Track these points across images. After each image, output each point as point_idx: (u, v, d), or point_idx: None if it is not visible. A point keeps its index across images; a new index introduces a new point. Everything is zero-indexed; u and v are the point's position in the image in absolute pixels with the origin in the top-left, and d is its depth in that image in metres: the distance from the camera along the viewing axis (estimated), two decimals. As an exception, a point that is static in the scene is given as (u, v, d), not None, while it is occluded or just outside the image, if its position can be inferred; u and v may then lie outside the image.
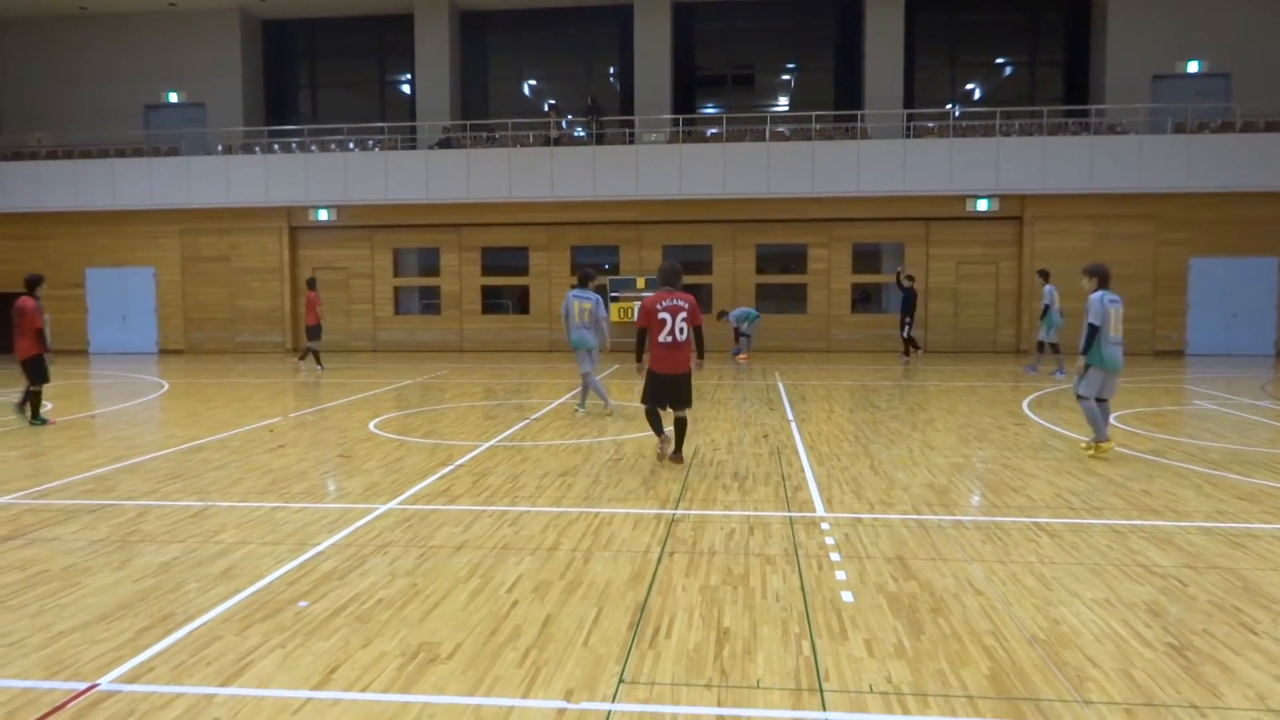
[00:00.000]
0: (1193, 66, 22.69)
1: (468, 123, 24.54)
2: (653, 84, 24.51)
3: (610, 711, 3.56)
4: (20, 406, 11.17)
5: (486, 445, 9.52)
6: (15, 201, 23.89)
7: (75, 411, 11.82)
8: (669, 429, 8.55)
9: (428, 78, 25.33)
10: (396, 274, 24.46)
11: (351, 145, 24.35)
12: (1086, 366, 8.62)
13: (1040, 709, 3.57)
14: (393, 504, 6.95)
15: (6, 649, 4.21)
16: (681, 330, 8.18)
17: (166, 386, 16.01)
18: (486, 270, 24.06)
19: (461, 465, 8.47)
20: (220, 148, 24.61)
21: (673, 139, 23.27)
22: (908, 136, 22.51)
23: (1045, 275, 16.92)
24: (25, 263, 23.76)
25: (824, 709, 3.58)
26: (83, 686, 3.80)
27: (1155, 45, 22.64)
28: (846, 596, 4.85)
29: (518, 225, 23.34)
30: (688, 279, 22.41)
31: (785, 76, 27.53)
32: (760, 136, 22.66)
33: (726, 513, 6.66)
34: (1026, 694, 3.70)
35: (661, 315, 8.16)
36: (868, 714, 3.54)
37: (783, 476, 7.92)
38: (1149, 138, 21.13)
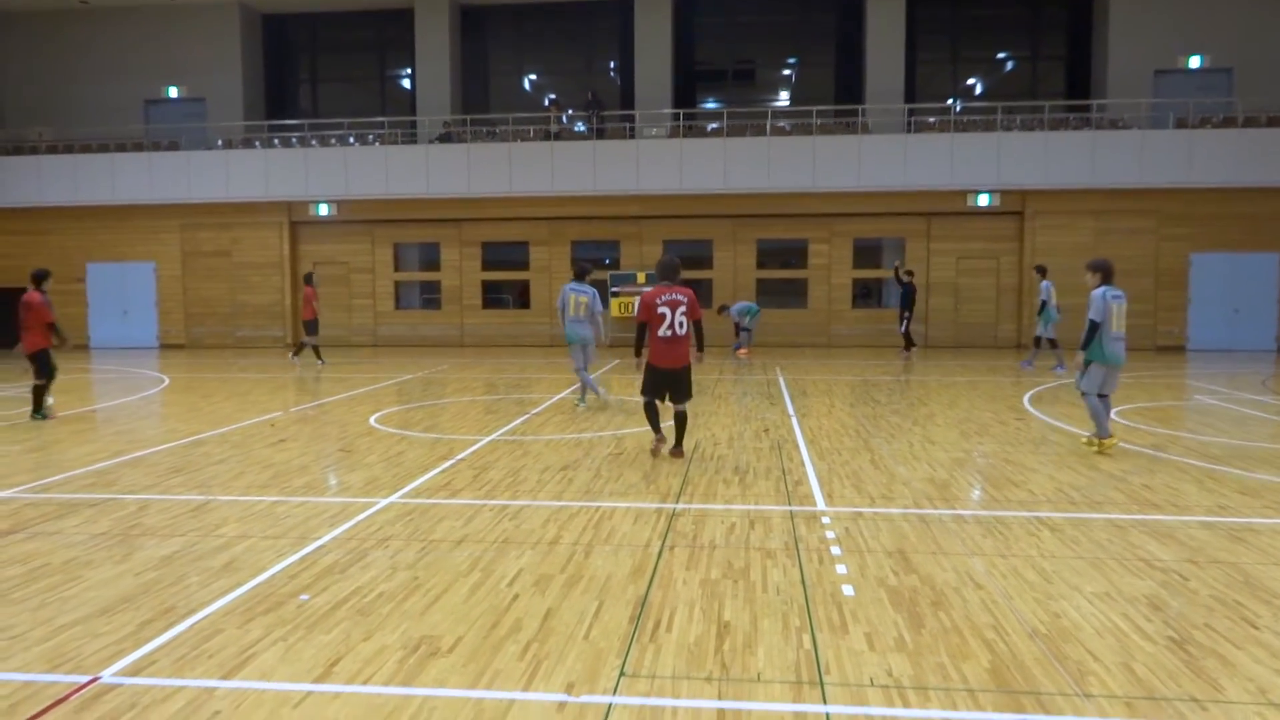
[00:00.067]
0: (1194, 61, 22.65)
1: (468, 117, 24.51)
2: (653, 78, 24.48)
3: (611, 704, 3.56)
4: (38, 412, 11.16)
5: (487, 439, 9.52)
6: (16, 196, 23.88)
7: (76, 406, 11.83)
8: (668, 423, 8.55)
9: (428, 72, 25.30)
10: (397, 269, 24.45)
11: (352, 140, 24.32)
12: (1087, 362, 8.61)
13: (1041, 702, 3.57)
14: (394, 498, 6.96)
15: (8, 642, 4.22)
16: (681, 324, 8.22)
17: (167, 381, 16.02)
18: (487, 265, 24.05)
19: (462, 459, 8.47)
20: (220, 142, 24.59)
21: (673, 134, 23.24)
22: (909, 131, 22.48)
23: (1042, 271, 16.91)
24: (26, 257, 23.78)
25: (824, 702, 3.58)
26: (85, 679, 3.80)
27: (1157, 40, 22.60)
28: (847, 590, 4.86)
29: (518, 220, 23.33)
30: (688, 274, 22.57)
31: (786, 71, 27.48)
32: (761, 131, 22.63)
33: (727, 507, 6.66)
34: (1027, 687, 3.70)
35: (661, 309, 8.19)
36: (868, 707, 3.54)
37: (783, 471, 7.92)
38: (1150, 133, 21.09)
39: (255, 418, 11.24)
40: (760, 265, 23.21)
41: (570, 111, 24.85)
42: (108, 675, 3.84)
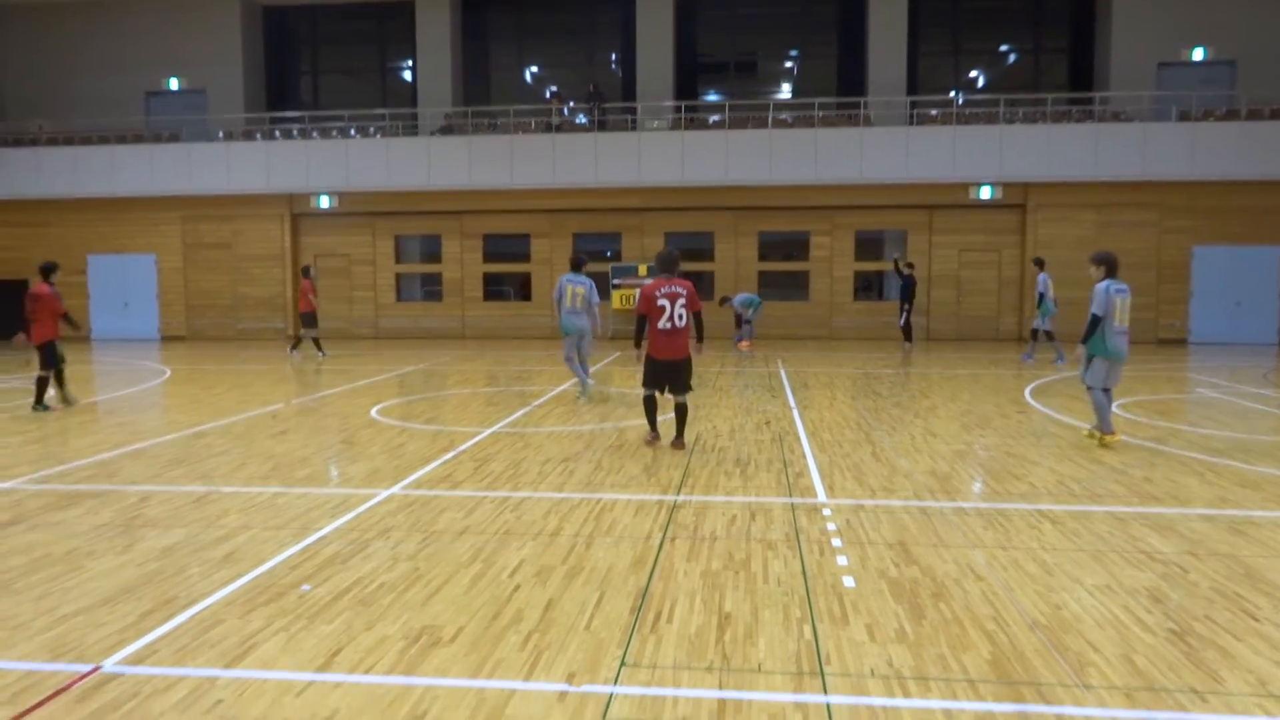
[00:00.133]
0: (1198, 54, 22.57)
1: (469, 109, 24.47)
2: (655, 70, 24.42)
3: (612, 694, 3.57)
4: (40, 404, 11.18)
5: (489, 431, 9.53)
6: (16, 188, 23.87)
7: (78, 397, 11.83)
8: (666, 417, 8.57)
9: (429, 64, 25.25)
10: (398, 261, 24.44)
11: (353, 132, 24.27)
12: (1090, 356, 8.58)
13: (1041, 693, 3.58)
14: (395, 489, 6.97)
15: (11, 631, 4.23)
16: (680, 316, 8.26)
17: (169, 373, 16.03)
18: (488, 257, 24.03)
19: (464, 451, 8.48)
20: (221, 134, 24.55)
21: (675, 126, 23.19)
22: (911, 123, 22.42)
23: (1040, 263, 16.89)
24: (27, 250, 23.83)
25: (825, 692, 3.59)
26: (87, 668, 3.81)
27: (1160, 32, 22.51)
28: (848, 581, 4.86)
29: (519, 212, 23.30)
30: (690, 266, 22.58)
31: (788, 63, 27.41)
32: (763, 123, 22.58)
33: (728, 498, 6.67)
34: (1027, 678, 3.71)
35: (660, 302, 8.23)
36: (869, 697, 3.55)
37: (784, 463, 7.92)
38: (1153, 125, 21.03)
39: (257, 409, 11.25)
40: (762, 258, 23.19)
41: (572, 104, 24.80)
42: (110, 665, 3.85)
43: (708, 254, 23.13)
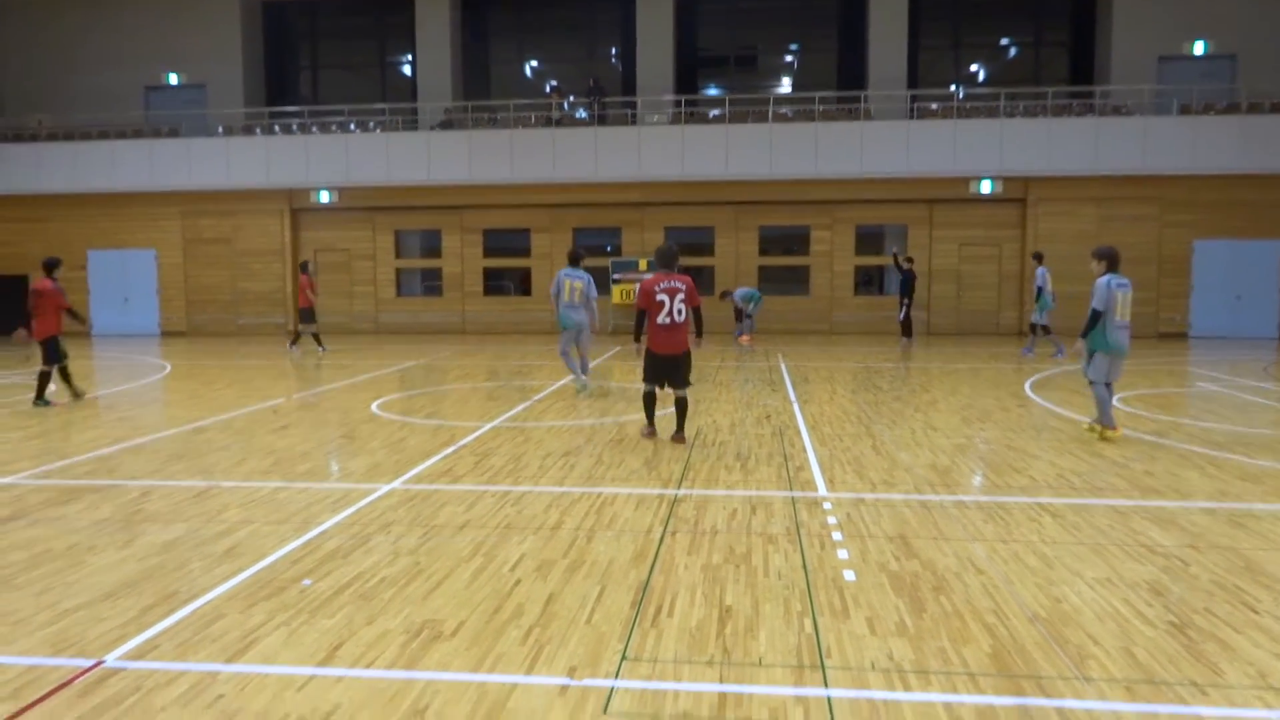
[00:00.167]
0: (1198, 48, 22.52)
1: (469, 104, 24.43)
2: (655, 65, 24.38)
3: (613, 688, 3.58)
4: (40, 399, 11.19)
5: (489, 426, 9.53)
6: (16, 183, 23.85)
7: (85, 390, 11.82)
8: (666, 411, 8.58)
9: (429, 58, 25.20)
10: (398, 256, 24.43)
11: (352, 127, 24.25)
12: (1092, 352, 8.56)
13: (1041, 686, 3.58)
14: (396, 484, 6.97)
15: (12, 627, 4.24)
16: (680, 311, 8.30)
17: (169, 368, 16.03)
18: (488, 252, 24.02)
19: (464, 446, 8.48)
20: (221, 129, 24.52)
21: (675, 120, 23.15)
22: (911, 118, 22.39)
23: (1039, 257, 16.87)
24: (27, 245, 23.82)
25: (826, 685, 3.59)
26: (88, 663, 3.82)
27: (1161, 26, 22.46)
28: (848, 575, 4.87)
29: (519, 207, 23.29)
30: (691, 261, 22.55)
31: (788, 57, 27.37)
32: (763, 118, 22.53)
33: (729, 492, 6.67)
34: (1028, 671, 3.71)
35: (660, 297, 8.28)
36: (870, 690, 3.55)
37: (785, 457, 7.93)
38: (1154, 119, 21.00)
39: (257, 404, 11.25)
40: (762, 252, 23.18)
41: (572, 98, 24.76)
42: (111, 659, 3.86)
43: (708, 249, 23.12)
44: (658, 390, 8.71)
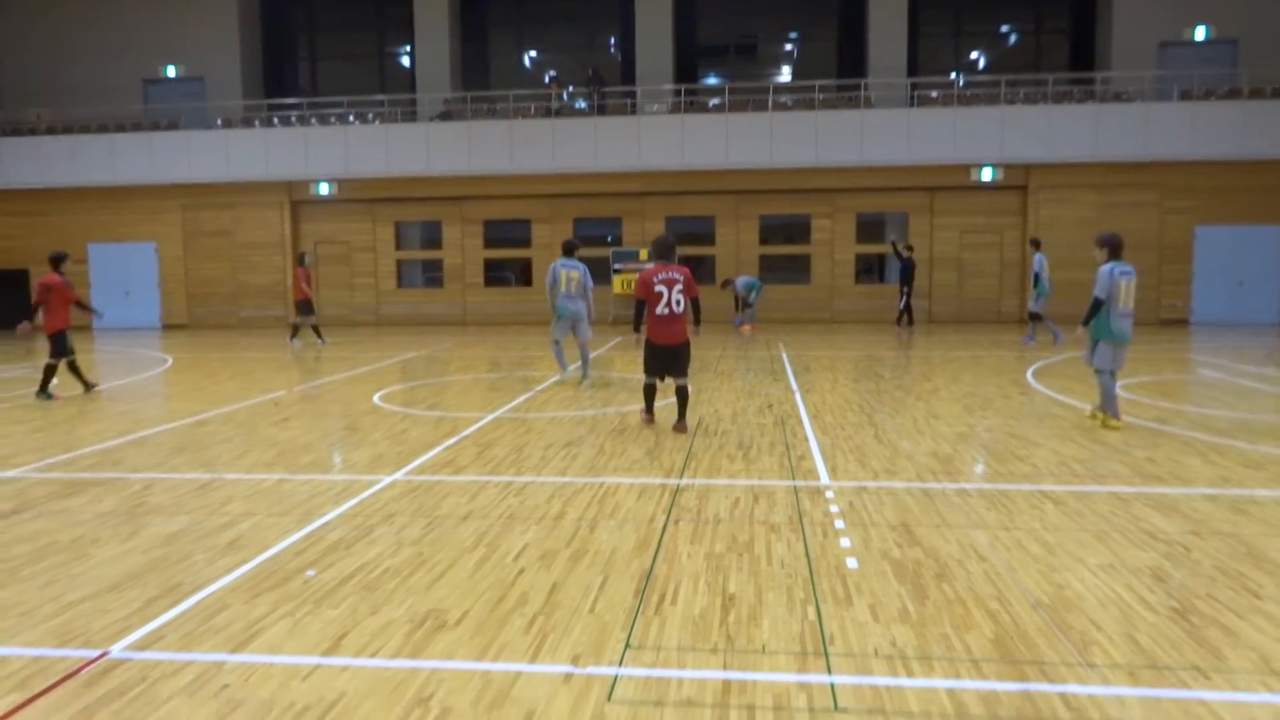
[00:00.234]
0: (1200, 33, 22.44)
1: (468, 94, 24.36)
2: (654, 54, 24.31)
3: (617, 676, 3.59)
4: (43, 392, 11.22)
5: (491, 417, 9.54)
6: (16, 178, 23.82)
7: (78, 386, 11.84)
8: (664, 401, 8.61)
9: (427, 49, 25.13)
10: (399, 247, 24.41)
11: (351, 118, 24.20)
12: (1095, 340, 8.53)
13: (1044, 671, 3.59)
14: (398, 475, 6.98)
15: (18, 618, 4.25)
16: (678, 302, 8.36)
17: (170, 361, 16.04)
18: (489, 243, 24.00)
19: (466, 436, 8.49)
20: (220, 122, 24.48)
21: (675, 110, 23.11)
22: (912, 106, 22.34)
23: (1037, 244, 16.85)
24: (27, 239, 23.83)
25: (829, 672, 3.61)
26: (94, 654, 3.83)
27: (1162, 12, 22.38)
28: (851, 563, 4.87)
29: (519, 198, 23.26)
30: (691, 250, 22.53)
31: (788, 46, 27.28)
32: (763, 107, 22.49)
33: (731, 481, 6.68)
34: (1030, 657, 3.72)
35: (658, 288, 8.33)
36: (873, 677, 3.56)
37: (787, 446, 7.93)
38: (1155, 105, 20.94)
39: (259, 397, 11.26)
40: (763, 241, 23.15)
41: (571, 88, 24.70)
42: (117, 650, 3.87)
43: (709, 238, 23.09)
44: (658, 382, 8.76)
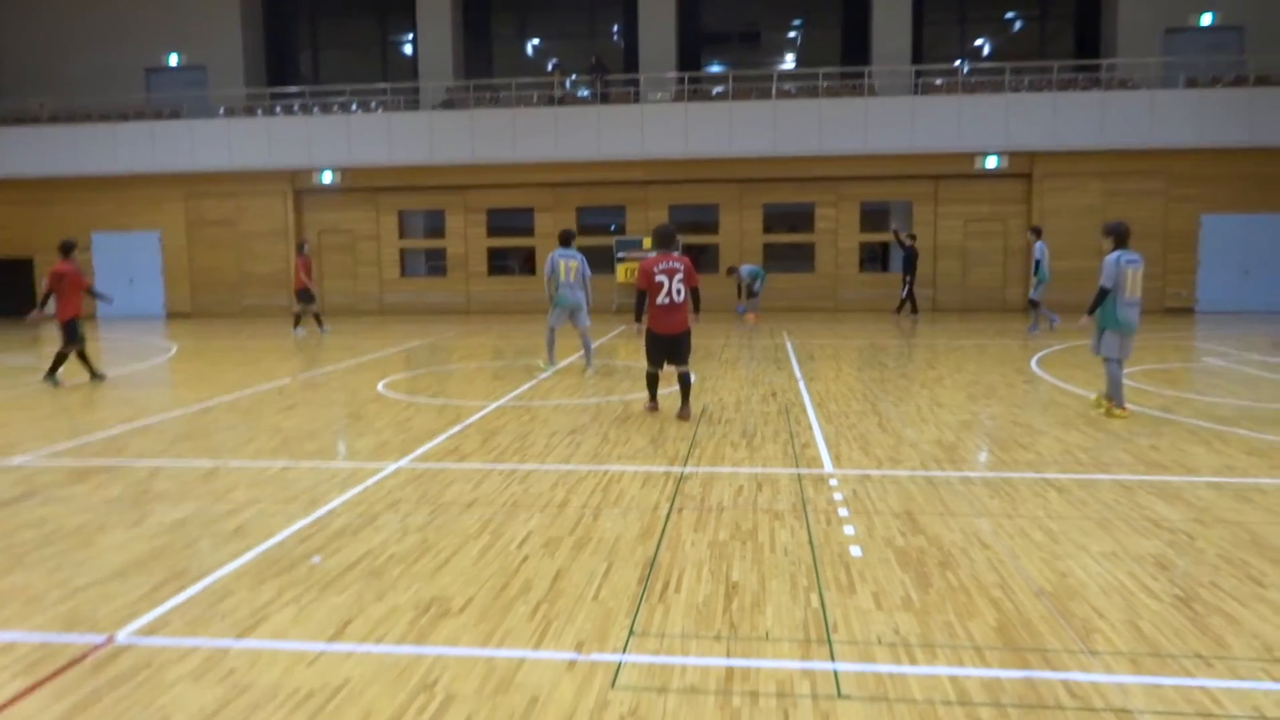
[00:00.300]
0: (1205, 19, 22.30)
1: (470, 83, 24.29)
2: (658, 42, 24.21)
3: (621, 663, 3.60)
4: (51, 375, 11.27)
5: (495, 405, 9.55)
6: (19, 167, 23.81)
7: (85, 374, 11.86)
8: (667, 390, 8.65)
9: (430, 37, 25.05)
10: (402, 236, 24.39)
11: (354, 107, 24.15)
12: (1101, 329, 8.48)
13: (1047, 659, 3.60)
14: (403, 462, 6.99)
15: (25, 604, 4.27)
16: (679, 291, 8.41)
17: (175, 349, 16.07)
18: (492, 232, 23.98)
19: (470, 424, 8.50)
20: (222, 110, 24.43)
21: (678, 98, 23.03)
22: (916, 93, 22.25)
23: (1038, 232, 16.82)
24: (30, 228, 23.84)
25: (832, 659, 3.62)
26: (101, 639, 3.85)
27: (1168, -2, 22.27)
28: (855, 551, 4.88)
29: (522, 186, 23.21)
30: (695, 239, 22.47)
31: (792, 34, 27.16)
32: (767, 95, 22.39)
33: (735, 470, 6.69)
34: (1033, 644, 3.73)
35: (659, 278, 8.37)
36: (876, 664, 3.57)
37: (791, 434, 7.94)
38: (1160, 92, 20.83)
39: (263, 385, 11.28)
40: (766, 229, 23.10)
41: (574, 76, 24.62)
42: (123, 636, 3.89)
43: (712, 226, 23.04)
44: (660, 371, 8.81)
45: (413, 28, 25.67)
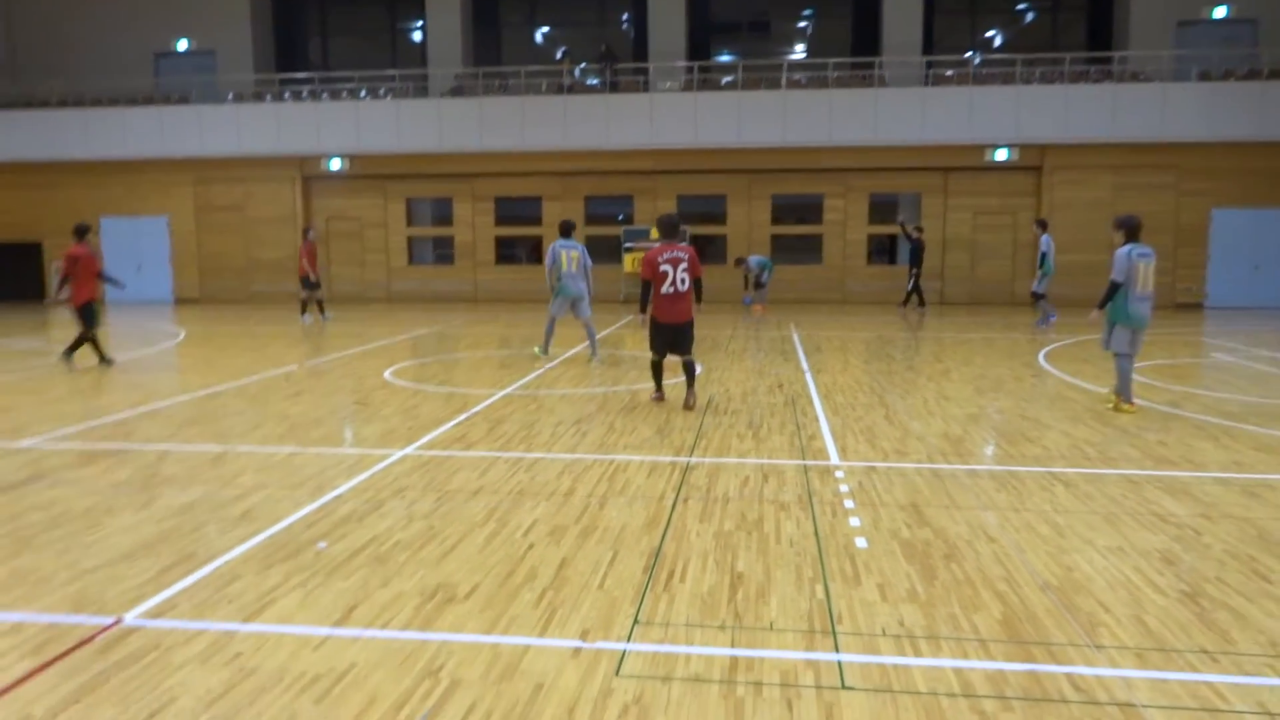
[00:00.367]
0: (1219, 12, 22.11)
1: (479, 70, 24.23)
2: (667, 31, 24.09)
3: (625, 651, 3.61)
4: (69, 354, 11.35)
5: (502, 393, 9.56)
6: (28, 150, 23.83)
7: (94, 358, 11.90)
8: (674, 380, 8.66)
9: (439, 24, 24.97)
10: (410, 224, 24.38)
11: (363, 94, 24.11)
12: (1112, 323, 8.42)
13: (1051, 653, 3.60)
14: (409, 449, 7.01)
15: (34, 585, 4.30)
16: (683, 281, 8.47)
17: (183, 334, 16.11)
18: (500, 220, 23.94)
19: (477, 413, 8.52)
20: (231, 96, 24.41)
21: (687, 87, 22.93)
22: (926, 84, 22.11)
23: (1043, 225, 16.75)
24: (39, 212, 23.89)
25: (837, 650, 3.62)
26: (109, 621, 3.88)
27: (1181, -10, 22.09)
28: (860, 542, 4.88)
29: (531, 175, 23.16)
30: (703, 229, 22.42)
31: (802, 23, 27.02)
32: (776, 85, 22.30)
33: (741, 460, 6.69)
34: (1038, 638, 3.73)
35: (663, 267, 8.42)
36: (880, 656, 3.58)
37: (797, 425, 7.93)
38: (1172, 85, 20.68)
39: (271, 371, 11.30)
40: (775, 221, 23.02)
41: (583, 65, 24.53)
42: (131, 618, 3.91)
43: (720, 217, 22.98)
44: (664, 360, 8.84)
45: (422, 15, 25.58)
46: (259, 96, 24.32)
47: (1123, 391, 8.51)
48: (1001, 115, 20.96)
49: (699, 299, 8.68)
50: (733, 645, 3.67)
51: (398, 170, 23.50)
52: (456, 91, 23.66)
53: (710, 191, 22.93)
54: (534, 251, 24.09)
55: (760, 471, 6.36)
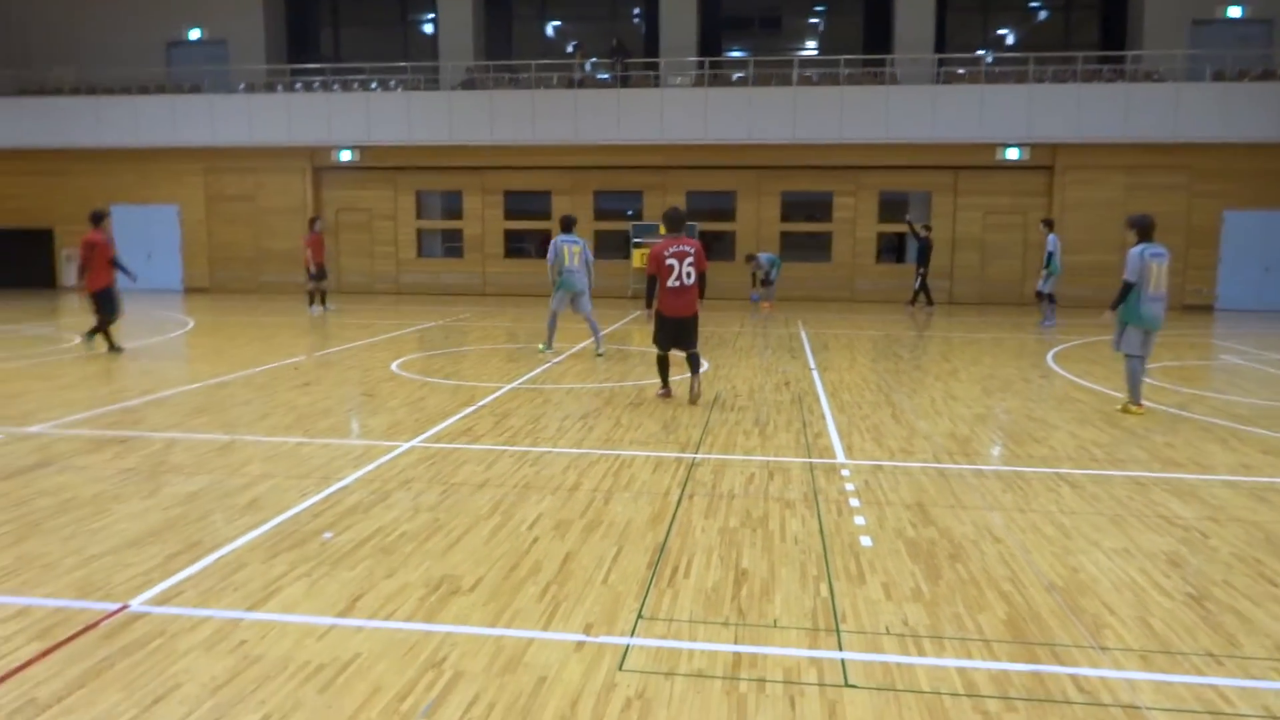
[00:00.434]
0: (1234, 12, 21.95)
1: (490, 63, 24.21)
2: (679, 26, 24.04)
3: (628, 645, 3.61)
4: (90, 336, 11.46)
5: (508, 387, 9.57)
6: (39, 138, 23.91)
7: (102, 346, 11.95)
8: (680, 376, 8.67)
9: (450, 17, 24.95)
10: (419, 216, 24.39)
11: (374, 85, 24.11)
12: (1124, 324, 8.35)
13: (1056, 654, 3.59)
14: (415, 442, 7.02)
15: (41, 570, 4.32)
16: (689, 275, 8.52)
17: (192, 324, 16.16)
18: (509, 214, 23.94)
19: (484, 406, 8.53)
20: (242, 86, 24.45)
21: (698, 83, 22.89)
22: (938, 82, 22.03)
23: (1050, 224, 16.68)
24: (50, 199, 23.97)
25: (840, 648, 3.62)
26: (114, 607, 3.89)
27: (1196, -11, 21.95)
28: (865, 541, 4.88)
29: (541, 169, 23.15)
30: (712, 225, 22.36)
31: (813, 20, 26.94)
32: (787, 81, 22.23)
33: (746, 457, 6.68)
34: (1043, 639, 3.72)
35: (669, 261, 8.46)
36: (884, 654, 3.57)
37: (804, 423, 7.92)
38: (1186, 85, 20.55)
39: (279, 361, 11.33)
40: (784, 218, 22.95)
41: (594, 59, 24.51)
42: (136, 604, 3.93)
43: (729, 213, 22.93)
44: (670, 355, 8.86)
45: (433, 7, 25.57)
46: (270, 87, 24.34)
47: (1132, 393, 8.46)
48: (1013, 114, 20.86)
49: (702, 294, 8.72)
50: (736, 642, 3.67)
51: (408, 162, 23.51)
52: (467, 84, 23.65)
53: (720, 188, 22.89)
54: (542, 245, 24.00)
55: (766, 469, 6.36)
